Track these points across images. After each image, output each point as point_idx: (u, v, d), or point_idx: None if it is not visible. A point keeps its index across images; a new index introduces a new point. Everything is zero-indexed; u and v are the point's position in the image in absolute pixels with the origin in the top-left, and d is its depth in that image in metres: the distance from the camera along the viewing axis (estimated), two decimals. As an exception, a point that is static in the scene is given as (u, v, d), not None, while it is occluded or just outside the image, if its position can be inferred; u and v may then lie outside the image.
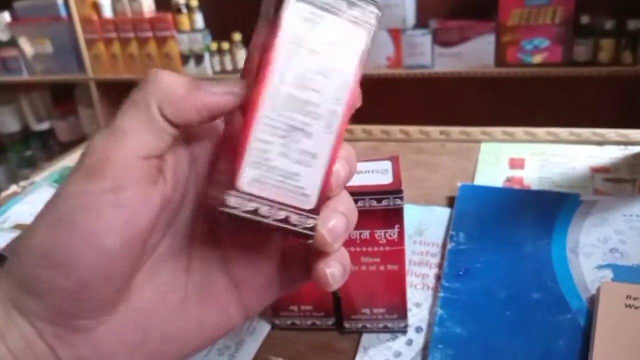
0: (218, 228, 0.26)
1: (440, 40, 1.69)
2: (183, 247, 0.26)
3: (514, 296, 0.39)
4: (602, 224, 0.47)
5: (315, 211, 0.23)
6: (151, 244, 0.24)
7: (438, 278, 0.43)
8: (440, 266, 0.44)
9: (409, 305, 0.39)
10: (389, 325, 0.38)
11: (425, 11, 1.75)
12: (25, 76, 2.11)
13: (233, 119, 0.24)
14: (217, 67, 1.91)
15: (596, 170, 0.57)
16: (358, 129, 0.73)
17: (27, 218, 0.58)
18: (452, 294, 0.40)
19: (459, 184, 0.54)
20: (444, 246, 0.46)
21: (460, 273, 0.42)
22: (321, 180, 0.23)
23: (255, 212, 0.22)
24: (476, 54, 1.67)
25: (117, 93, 1.99)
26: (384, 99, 1.69)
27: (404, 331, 0.38)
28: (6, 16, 2.03)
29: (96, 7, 1.93)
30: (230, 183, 0.21)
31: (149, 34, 1.91)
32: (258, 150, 0.21)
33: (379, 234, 0.35)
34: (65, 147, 1.98)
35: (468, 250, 0.45)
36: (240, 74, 0.25)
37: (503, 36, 1.64)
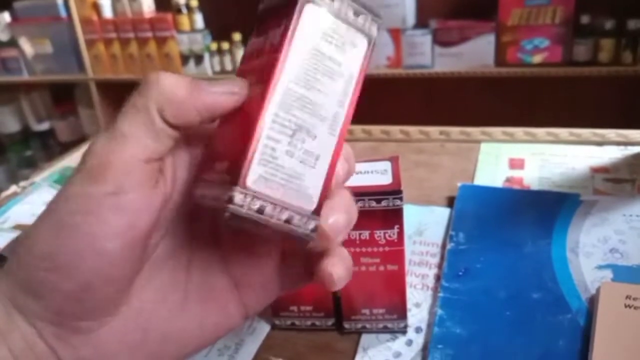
0: (218, 228, 0.26)
1: (440, 40, 1.69)
2: (183, 247, 0.26)
3: (514, 296, 0.39)
4: (602, 224, 0.47)
5: (317, 213, 0.23)
6: (151, 244, 0.24)
7: (438, 278, 0.43)
8: (440, 266, 0.44)
9: (409, 305, 0.39)
10: (389, 325, 0.38)
11: (425, 11, 1.75)
12: (25, 76, 2.11)
13: (228, 119, 0.24)
14: (217, 67, 1.92)
15: (596, 170, 0.57)
16: (358, 129, 0.73)
17: (27, 218, 0.58)
18: (451, 294, 0.40)
19: (458, 184, 0.54)
20: (443, 246, 0.46)
21: (460, 273, 0.42)
22: (323, 182, 0.23)
23: (259, 211, 0.22)
24: (476, 54, 1.67)
25: (117, 93, 1.99)
26: (384, 99, 1.69)
27: (403, 331, 0.38)
28: (6, 16, 2.04)
29: (96, 7, 1.93)
30: (234, 180, 0.21)
31: (149, 34, 1.91)
32: (266, 147, 0.21)
33: (379, 234, 0.35)
34: (66, 147, 1.98)
35: (468, 251, 0.45)
36: (236, 73, 0.25)
37: (503, 36, 1.64)
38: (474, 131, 0.69)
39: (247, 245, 0.26)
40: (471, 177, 0.58)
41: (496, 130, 0.68)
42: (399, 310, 0.38)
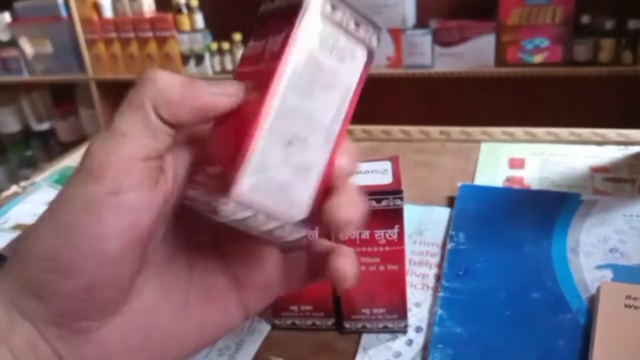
0: (218, 228, 0.26)
1: (440, 40, 1.69)
2: (183, 247, 0.26)
3: (514, 296, 0.40)
4: (602, 224, 0.47)
5: (306, 222, 0.23)
6: (152, 244, 0.24)
7: (438, 278, 0.43)
8: (440, 266, 0.44)
9: (409, 305, 0.39)
10: (389, 325, 0.38)
11: (425, 11, 1.75)
12: (25, 76, 2.11)
13: (223, 122, 0.23)
14: (218, 67, 1.92)
15: (596, 170, 0.57)
16: (358, 129, 0.73)
17: (28, 218, 0.58)
18: (452, 294, 0.40)
19: (459, 184, 0.54)
20: (443, 246, 0.46)
21: (460, 273, 0.42)
22: (314, 192, 0.23)
23: (248, 219, 0.21)
24: (476, 53, 1.67)
25: (118, 93, 1.98)
26: (384, 99, 1.69)
27: (404, 331, 0.38)
28: (6, 16, 2.03)
29: (96, 7, 1.93)
30: (226, 187, 0.21)
31: (149, 34, 1.91)
32: (260, 156, 0.21)
33: (379, 234, 0.35)
34: (66, 147, 1.98)
35: (468, 250, 0.45)
36: (233, 76, 0.24)
37: (503, 36, 1.64)
38: (474, 131, 0.69)
39: (247, 245, 0.26)
40: (471, 177, 0.58)
41: (496, 130, 0.68)
42: (399, 310, 0.38)
